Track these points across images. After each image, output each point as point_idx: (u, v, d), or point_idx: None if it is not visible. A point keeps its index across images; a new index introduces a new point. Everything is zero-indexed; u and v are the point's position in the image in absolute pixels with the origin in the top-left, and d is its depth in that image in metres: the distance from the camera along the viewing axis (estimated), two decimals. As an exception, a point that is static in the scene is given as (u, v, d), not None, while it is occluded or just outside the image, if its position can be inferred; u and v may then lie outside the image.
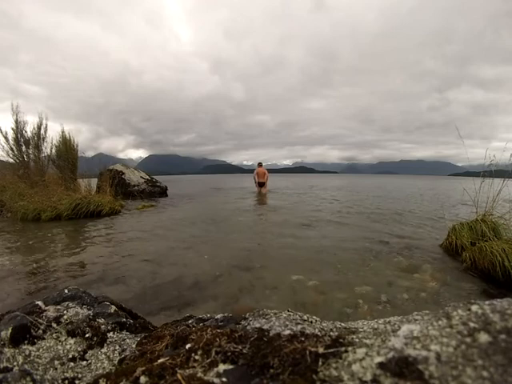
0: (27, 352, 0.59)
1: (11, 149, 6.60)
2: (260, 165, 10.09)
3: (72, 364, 0.60)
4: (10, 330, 0.61)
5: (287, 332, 0.46)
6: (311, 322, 0.56)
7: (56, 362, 0.59)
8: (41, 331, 0.65)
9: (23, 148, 6.71)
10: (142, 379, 0.41)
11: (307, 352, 0.39)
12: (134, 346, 0.65)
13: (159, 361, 0.46)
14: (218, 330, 0.52)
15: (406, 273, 2.40)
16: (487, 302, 0.37)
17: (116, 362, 0.60)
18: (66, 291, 0.88)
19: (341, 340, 0.42)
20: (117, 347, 0.66)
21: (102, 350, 0.65)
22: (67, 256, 2.93)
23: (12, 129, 6.60)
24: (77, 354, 0.62)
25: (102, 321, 0.73)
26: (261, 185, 9.87)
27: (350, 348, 0.39)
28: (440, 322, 0.37)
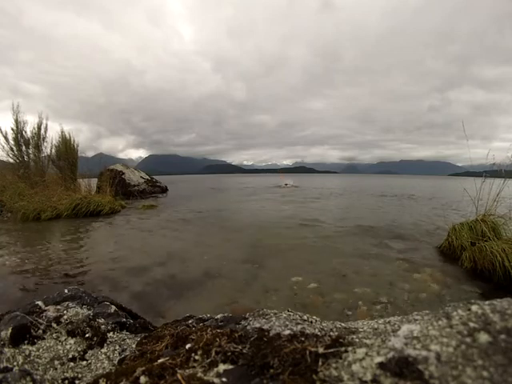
0: (27, 352, 0.59)
1: (11, 149, 6.61)
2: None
3: (72, 364, 0.60)
4: (9, 330, 0.61)
5: (287, 332, 0.46)
6: (311, 321, 0.56)
7: (56, 362, 0.59)
8: (41, 331, 0.65)
9: (23, 148, 6.71)
10: (142, 379, 0.41)
11: (307, 352, 0.39)
12: (133, 346, 0.65)
13: (159, 361, 0.46)
14: (218, 330, 0.52)
15: (406, 273, 2.40)
16: (487, 302, 0.37)
17: (116, 362, 0.60)
18: (66, 291, 0.88)
19: (341, 340, 0.42)
20: (117, 347, 0.66)
21: (102, 350, 0.65)
22: (67, 256, 2.93)
23: (12, 129, 6.60)
24: (77, 354, 0.62)
25: (102, 321, 0.73)
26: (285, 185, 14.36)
27: (349, 348, 0.39)
28: (440, 322, 0.37)
